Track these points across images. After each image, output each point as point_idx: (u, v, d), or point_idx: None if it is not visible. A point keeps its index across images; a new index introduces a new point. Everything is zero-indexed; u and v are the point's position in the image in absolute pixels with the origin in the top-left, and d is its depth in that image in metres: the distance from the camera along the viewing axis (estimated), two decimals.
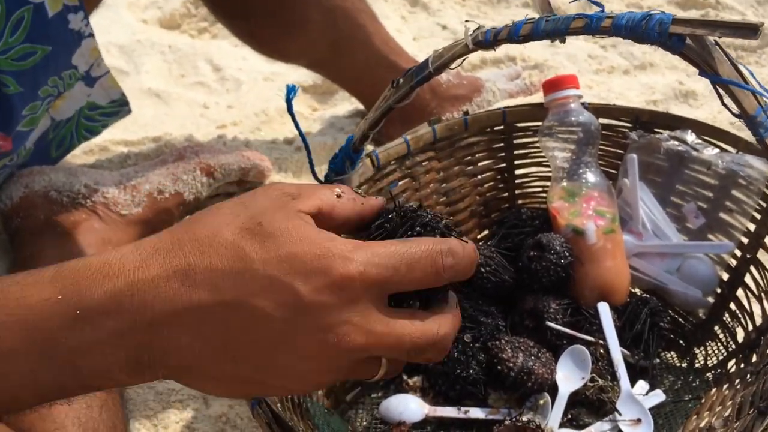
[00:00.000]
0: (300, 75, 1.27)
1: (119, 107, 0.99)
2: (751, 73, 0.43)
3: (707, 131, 0.77)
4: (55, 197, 0.85)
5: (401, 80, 0.58)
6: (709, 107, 1.26)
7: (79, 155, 1.06)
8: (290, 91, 0.60)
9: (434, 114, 1.11)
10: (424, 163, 0.79)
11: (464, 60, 0.55)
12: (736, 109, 0.42)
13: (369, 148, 0.72)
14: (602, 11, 0.44)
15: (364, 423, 0.69)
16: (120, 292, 0.38)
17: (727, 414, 0.59)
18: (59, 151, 0.97)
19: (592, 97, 1.30)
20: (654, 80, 1.36)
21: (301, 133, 0.64)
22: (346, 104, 1.24)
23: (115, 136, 1.09)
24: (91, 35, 0.85)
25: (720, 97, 0.43)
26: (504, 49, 1.45)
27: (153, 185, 0.90)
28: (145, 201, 0.89)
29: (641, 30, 0.40)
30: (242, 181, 1.00)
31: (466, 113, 0.81)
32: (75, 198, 0.85)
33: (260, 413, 0.49)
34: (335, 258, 0.39)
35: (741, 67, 0.42)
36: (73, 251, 0.81)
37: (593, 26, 0.43)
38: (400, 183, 0.77)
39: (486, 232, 0.84)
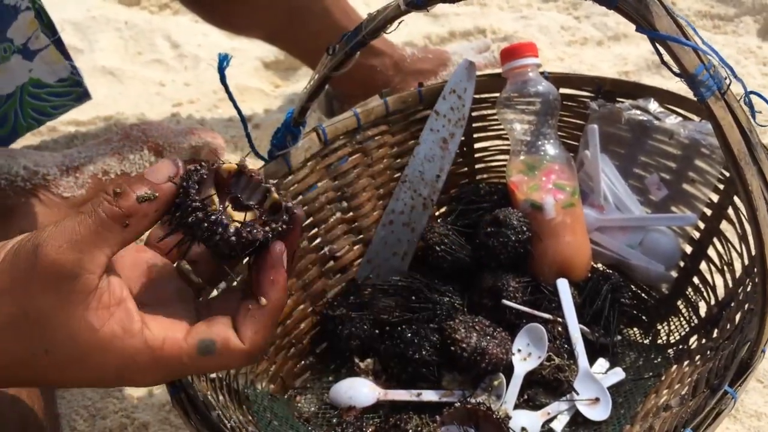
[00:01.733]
0: (263, 51, 1.22)
1: (70, 87, 0.94)
2: (695, 31, 0.40)
3: (670, 99, 0.74)
4: None
5: (336, 47, 0.55)
6: None
7: (26, 135, 1.02)
8: (223, 60, 0.57)
9: (398, 89, 1.08)
10: (376, 138, 0.75)
11: (400, 23, 0.52)
12: (677, 68, 0.39)
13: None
14: None
15: (313, 408, 0.67)
16: None
17: (684, 392, 0.56)
18: (3, 130, 0.92)
19: (563, 69, 1.26)
20: (627, 51, 1.33)
21: (235, 105, 0.61)
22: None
23: (64, 117, 1.05)
24: (29, 8, 0.81)
25: (659, 55, 0.39)
26: (473, 21, 1.42)
27: (97, 166, 0.86)
28: (89, 182, 0.85)
29: None
30: (194, 161, 0.96)
31: (420, 85, 0.77)
32: (13, 181, 0.81)
33: (179, 402, 0.47)
34: (131, 372, 0.42)
35: (682, 21, 0.38)
36: (11, 235, 0.77)
37: None
38: (350, 158, 0.74)
39: (444, 209, 0.81)
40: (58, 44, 0.90)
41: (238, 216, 0.43)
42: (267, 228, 0.43)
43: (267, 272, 0.44)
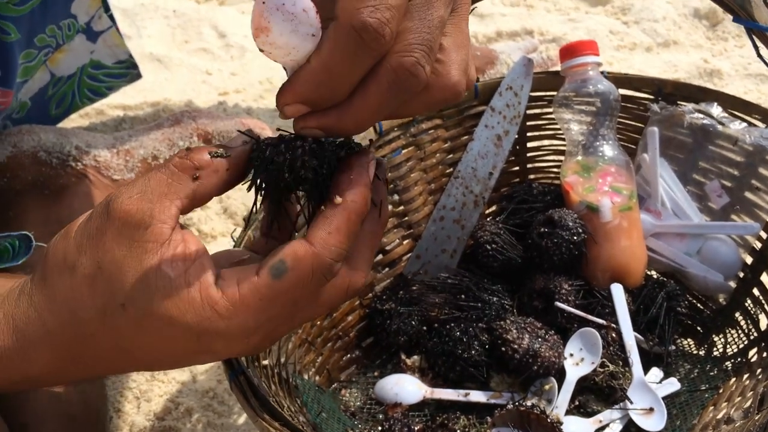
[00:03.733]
0: None
1: (126, 69, 0.95)
2: None
3: (735, 104, 0.72)
4: (44, 158, 0.81)
5: None
6: (734, 87, 1.20)
7: (74, 117, 1.02)
8: None
9: None
10: (430, 131, 0.74)
11: None
12: None
13: None
14: None
15: (358, 403, 0.65)
16: None
17: (747, 405, 0.54)
18: (59, 109, 0.93)
19: None
20: (677, 58, 1.30)
21: None
22: None
23: (113, 100, 1.05)
24: None
25: (756, 47, 0.38)
26: (520, 22, 1.40)
27: (147, 150, 0.86)
28: (138, 166, 0.85)
29: None
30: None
31: (476, 80, 0.76)
32: (65, 160, 0.82)
33: (238, 385, 0.46)
34: (210, 332, 0.39)
35: None
36: (60, 215, 0.77)
37: None
38: (403, 151, 0.72)
39: (494, 207, 0.79)
40: (111, 19, 0.90)
41: None
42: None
43: (347, 172, 0.40)
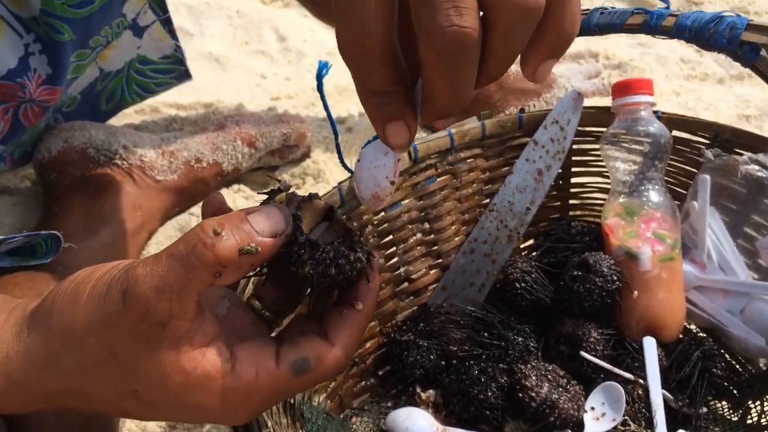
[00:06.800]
0: None
1: (172, 65, 0.96)
2: None
3: None
4: (93, 155, 0.83)
5: None
6: None
7: (130, 113, 1.05)
8: (322, 68, 0.55)
9: (497, 107, 1.04)
10: (468, 160, 0.72)
11: None
12: None
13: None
14: (667, 8, 0.36)
15: None
16: None
17: None
18: (109, 105, 0.95)
19: (678, 105, 1.19)
20: (751, 93, 1.23)
21: (329, 115, 0.59)
22: None
23: (167, 98, 1.07)
24: None
25: None
26: (586, 44, 1.35)
27: (191, 153, 0.88)
28: (181, 168, 0.87)
29: (707, 35, 0.33)
30: (283, 150, 0.96)
31: (521, 110, 0.74)
32: (112, 158, 0.84)
33: None
34: (218, 413, 0.40)
35: None
36: (102, 212, 0.80)
37: (653, 24, 0.36)
38: (438, 179, 0.71)
39: (531, 242, 0.77)
40: (167, 23, 0.92)
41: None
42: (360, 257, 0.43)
43: (364, 279, 0.44)
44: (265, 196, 0.45)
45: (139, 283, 0.37)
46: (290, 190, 0.43)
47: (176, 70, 0.98)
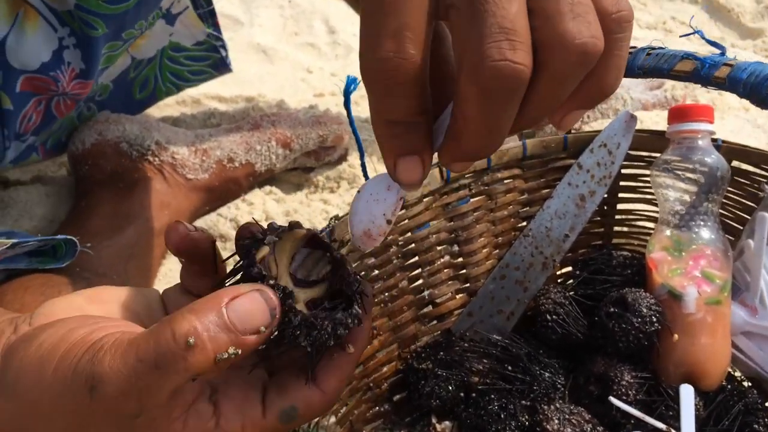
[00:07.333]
0: None
1: (207, 52, 0.94)
2: None
3: None
4: (125, 149, 0.83)
5: None
6: None
7: (171, 104, 1.04)
8: (350, 84, 0.52)
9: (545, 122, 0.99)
10: (506, 181, 0.68)
11: None
12: None
13: None
14: (722, 54, 0.32)
15: None
16: None
17: None
18: (143, 93, 0.94)
19: (744, 123, 1.11)
20: None
21: (355, 132, 0.57)
22: None
23: (210, 89, 1.06)
24: None
25: None
26: None
27: (224, 152, 0.86)
28: (213, 167, 0.85)
29: (764, 91, 0.28)
30: (319, 152, 0.93)
31: (568, 132, 0.69)
32: (144, 154, 0.83)
33: None
34: None
35: None
36: (130, 211, 0.79)
37: (703, 74, 0.32)
38: (472, 200, 0.67)
39: (567, 269, 0.72)
40: (211, 15, 0.90)
41: (303, 294, 0.40)
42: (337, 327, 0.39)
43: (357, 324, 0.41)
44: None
45: (105, 383, 0.34)
46: (280, 230, 0.40)
47: (211, 57, 0.96)
